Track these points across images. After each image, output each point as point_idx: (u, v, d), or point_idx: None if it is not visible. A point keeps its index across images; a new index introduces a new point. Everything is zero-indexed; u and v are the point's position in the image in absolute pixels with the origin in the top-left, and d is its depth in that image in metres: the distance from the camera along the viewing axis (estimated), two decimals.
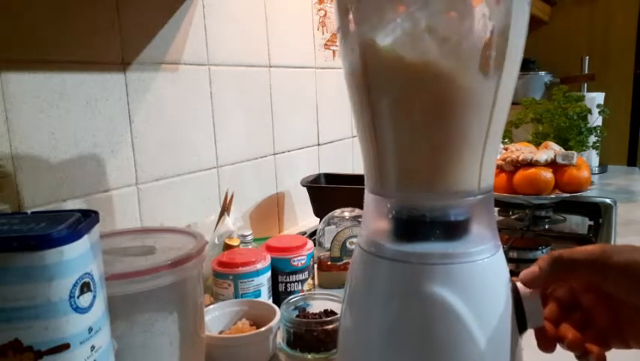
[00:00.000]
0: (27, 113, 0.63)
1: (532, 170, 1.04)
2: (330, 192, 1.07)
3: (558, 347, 0.40)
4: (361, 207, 0.43)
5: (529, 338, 0.40)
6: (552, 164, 1.06)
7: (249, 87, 1.01)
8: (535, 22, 2.36)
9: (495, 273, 0.39)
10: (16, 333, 0.30)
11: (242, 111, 1.00)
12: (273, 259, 0.71)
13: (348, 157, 1.41)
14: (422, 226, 0.39)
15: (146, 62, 0.78)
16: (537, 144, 1.21)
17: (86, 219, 0.34)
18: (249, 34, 1.00)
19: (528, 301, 0.39)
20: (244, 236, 0.79)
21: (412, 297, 0.37)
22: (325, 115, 1.27)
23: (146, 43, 0.78)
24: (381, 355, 0.38)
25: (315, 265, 0.80)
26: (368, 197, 0.42)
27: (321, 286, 0.80)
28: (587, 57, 1.93)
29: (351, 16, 0.37)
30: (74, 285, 0.31)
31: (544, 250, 0.88)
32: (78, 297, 0.32)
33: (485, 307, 0.37)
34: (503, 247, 0.41)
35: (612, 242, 0.96)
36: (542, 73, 2.14)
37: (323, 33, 1.25)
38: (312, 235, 0.96)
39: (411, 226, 0.40)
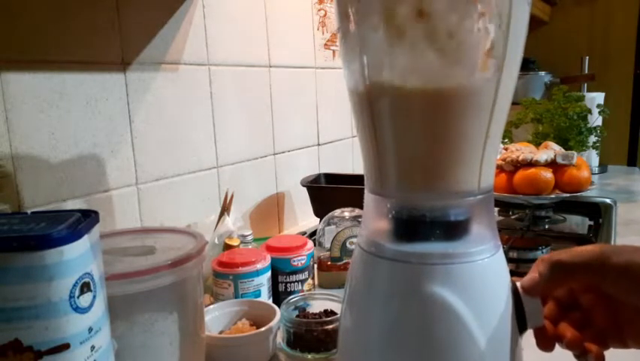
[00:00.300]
0: (27, 113, 0.63)
1: (532, 170, 1.04)
2: (330, 192, 1.07)
3: (557, 346, 0.40)
4: (361, 207, 0.43)
5: (529, 338, 0.40)
6: (552, 164, 1.06)
7: (248, 87, 1.01)
8: (535, 22, 2.36)
9: (495, 273, 0.39)
10: (16, 333, 0.30)
11: (242, 111, 1.00)
12: (273, 259, 0.71)
13: (348, 157, 1.41)
14: (422, 225, 0.39)
15: (146, 62, 0.78)
16: (537, 144, 1.21)
17: (86, 219, 0.34)
18: (249, 34, 1.00)
19: (528, 301, 0.39)
20: (244, 236, 0.79)
21: (412, 297, 0.37)
22: (325, 115, 1.27)
23: (146, 43, 0.78)
24: (381, 355, 0.38)
25: (315, 265, 0.80)
26: (368, 197, 0.42)
27: (321, 286, 0.80)
28: (587, 57, 1.93)
29: (351, 16, 0.37)
30: (74, 285, 0.31)
31: (544, 250, 0.88)
32: (78, 297, 0.32)
33: (485, 307, 0.37)
34: (503, 247, 0.41)
35: (612, 242, 0.96)
36: (542, 73, 2.14)
37: (323, 33, 1.25)
38: (312, 235, 0.96)
39: (411, 226, 0.40)
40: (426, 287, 0.37)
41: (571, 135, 1.41)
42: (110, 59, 0.73)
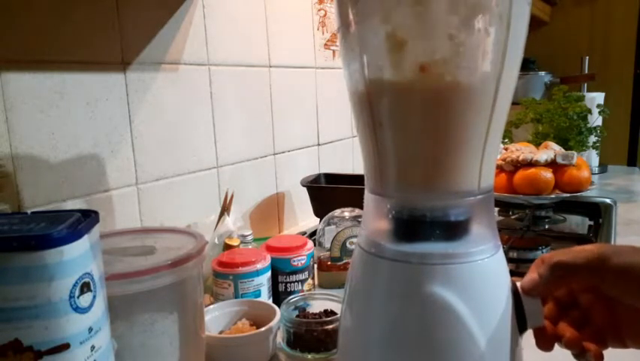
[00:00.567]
0: (27, 113, 0.63)
1: (532, 170, 1.04)
2: (330, 192, 1.07)
3: (557, 347, 0.40)
4: (361, 207, 0.43)
5: (529, 338, 0.40)
6: (552, 164, 1.06)
7: (248, 87, 1.01)
8: (535, 22, 2.36)
9: (495, 273, 0.39)
10: (16, 333, 0.30)
11: (242, 111, 1.00)
12: (273, 259, 0.71)
13: (348, 157, 1.41)
14: (422, 226, 0.39)
15: (146, 62, 0.78)
16: (537, 144, 1.21)
17: (86, 219, 0.34)
18: (249, 34, 1.00)
19: (528, 301, 0.39)
20: (244, 236, 0.79)
21: (412, 297, 0.37)
22: (325, 115, 1.27)
23: (146, 43, 0.78)
24: (381, 355, 0.38)
25: (315, 265, 0.80)
26: (368, 197, 0.42)
27: (321, 286, 0.80)
28: (587, 57, 1.93)
29: (351, 17, 0.37)
30: (74, 285, 0.31)
31: (544, 250, 0.88)
32: (78, 297, 0.32)
33: (485, 307, 0.37)
34: (503, 247, 0.41)
35: (612, 242, 0.96)
36: (542, 73, 2.14)
37: (323, 33, 1.25)
38: (312, 235, 0.96)
39: (411, 226, 0.40)
40: (426, 287, 0.37)
41: (571, 135, 1.41)
42: (110, 59, 0.73)
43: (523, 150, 1.09)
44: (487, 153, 0.38)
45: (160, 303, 0.45)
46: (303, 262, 0.73)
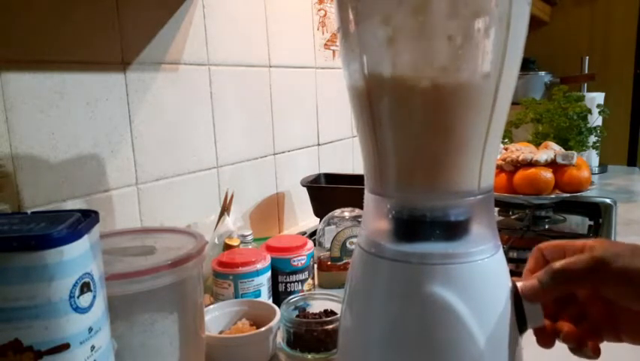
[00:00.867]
0: (27, 113, 0.63)
1: (532, 170, 1.04)
2: (330, 192, 1.07)
3: (556, 347, 0.40)
4: (361, 207, 0.43)
5: (529, 337, 0.40)
6: (552, 164, 1.06)
7: (248, 87, 1.01)
8: (535, 22, 2.36)
9: (495, 273, 0.39)
10: (16, 333, 0.30)
11: (242, 111, 1.00)
12: (273, 259, 0.71)
13: (348, 157, 1.41)
14: (422, 226, 0.39)
15: (146, 62, 0.78)
16: (537, 144, 1.21)
17: (86, 219, 0.34)
18: (249, 34, 1.00)
19: (528, 301, 0.39)
20: (244, 236, 0.79)
21: (412, 297, 0.37)
22: (325, 115, 1.27)
23: (146, 43, 0.78)
24: (381, 355, 0.38)
25: (315, 265, 0.80)
26: (368, 197, 0.42)
27: (321, 286, 0.80)
28: (587, 57, 1.93)
29: (351, 17, 0.37)
30: (74, 285, 0.31)
31: None
32: (78, 297, 0.32)
33: (485, 307, 0.37)
34: (503, 247, 0.41)
35: None
36: (542, 73, 2.14)
37: (323, 33, 1.25)
38: (312, 235, 0.96)
39: (411, 226, 0.40)
40: (426, 287, 0.37)
41: (571, 135, 1.41)
42: (110, 59, 0.73)
43: (523, 150, 1.09)
44: (487, 153, 0.38)
45: (160, 303, 0.45)
46: (303, 262, 0.73)
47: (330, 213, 0.84)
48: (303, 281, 0.74)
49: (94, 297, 0.33)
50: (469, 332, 0.36)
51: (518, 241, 0.93)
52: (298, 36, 1.16)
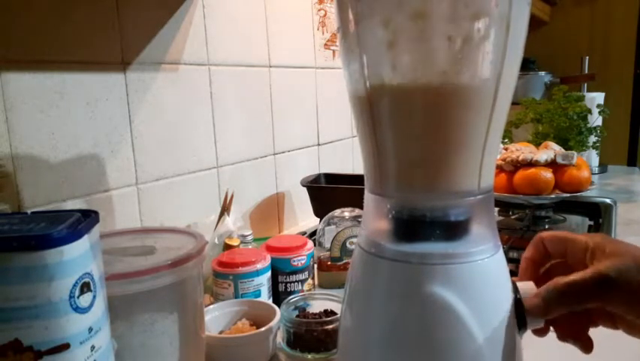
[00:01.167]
0: (27, 113, 0.63)
1: (532, 170, 1.04)
2: (330, 192, 1.07)
3: (557, 348, 0.40)
4: (361, 207, 0.43)
5: (529, 337, 0.40)
6: (552, 164, 1.06)
7: (248, 87, 1.01)
8: (535, 22, 2.36)
9: (495, 273, 0.39)
10: (16, 333, 0.30)
11: (242, 111, 1.00)
12: (273, 259, 0.71)
13: (348, 157, 1.41)
14: (422, 226, 0.39)
15: (146, 62, 0.78)
16: (537, 144, 1.21)
17: (86, 219, 0.34)
18: (249, 34, 1.00)
19: (528, 302, 0.39)
20: (244, 236, 0.79)
21: (412, 297, 0.37)
22: (325, 115, 1.27)
23: (146, 43, 0.78)
24: (381, 355, 0.38)
25: (315, 265, 0.80)
26: (368, 197, 0.42)
27: (321, 286, 0.80)
28: (587, 57, 1.93)
29: (351, 17, 0.37)
30: (74, 285, 0.31)
31: None
32: (78, 297, 0.32)
33: (485, 307, 0.37)
34: (503, 247, 0.41)
35: None
36: (542, 73, 2.14)
37: (323, 33, 1.25)
38: (312, 235, 0.96)
39: (411, 226, 0.40)
40: (426, 287, 0.37)
41: (571, 135, 1.41)
42: (110, 59, 0.73)
43: (523, 150, 1.09)
44: (487, 153, 0.38)
45: (160, 303, 0.45)
46: (303, 262, 0.73)
47: (330, 213, 0.84)
48: (303, 281, 0.74)
49: (94, 297, 0.33)
50: (469, 332, 0.36)
51: (518, 241, 0.93)
52: (298, 36, 1.16)
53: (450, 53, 0.35)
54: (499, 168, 1.09)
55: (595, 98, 1.60)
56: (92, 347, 0.33)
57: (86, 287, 0.32)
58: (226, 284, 0.66)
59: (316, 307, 0.65)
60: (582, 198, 1.18)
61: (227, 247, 0.77)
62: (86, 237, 0.33)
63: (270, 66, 1.06)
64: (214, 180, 0.94)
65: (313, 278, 0.77)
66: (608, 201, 1.22)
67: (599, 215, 1.14)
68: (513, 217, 1.19)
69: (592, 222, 1.13)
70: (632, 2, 2.32)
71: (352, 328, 0.41)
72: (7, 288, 0.30)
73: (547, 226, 1.12)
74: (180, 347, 0.47)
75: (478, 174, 0.38)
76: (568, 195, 1.04)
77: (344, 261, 0.80)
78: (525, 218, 1.13)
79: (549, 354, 0.41)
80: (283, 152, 1.13)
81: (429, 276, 0.37)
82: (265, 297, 0.68)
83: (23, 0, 0.62)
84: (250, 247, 0.79)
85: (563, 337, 0.40)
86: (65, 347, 0.31)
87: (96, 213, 0.36)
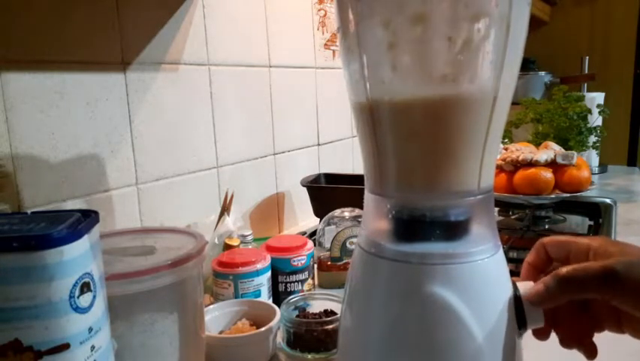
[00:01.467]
0: (27, 113, 0.63)
1: (532, 170, 1.04)
2: (330, 192, 1.07)
3: (557, 347, 0.40)
4: (361, 207, 0.43)
5: (529, 337, 0.40)
6: (552, 164, 1.06)
7: (248, 87, 1.01)
8: (535, 22, 2.36)
9: (495, 273, 0.39)
10: (16, 333, 0.30)
11: (242, 111, 1.00)
12: (273, 259, 0.71)
13: (348, 157, 1.41)
14: (422, 226, 0.39)
15: (146, 62, 0.78)
16: (537, 144, 1.21)
17: (86, 219, 0.34)
18: (249, 34, 1.00)
19: (528, 302, 0.39)
20: (244, 236, 0.79)
21: (412, 297, 0.37)
22: (325, 115, 1.27)
23: (146, 43, 0.78)
24: (381, 355, 0.38)
25: (315, 265, 0.80)
26: (368, 197, 0.42)
27: (321, 286, 0.80)
28: (587, 57, 1.93)
29: (351, 17, 0.37)
30: (74, 285, 0.31)
31: None
32: (78, 297, 0.32)
33: (485, 307, 0.37)
34: (503, 247, 0.41)
35: None
36: (542, 73, 2.14)
37: (323, 33, 1.25)
38: (312, 235, 0.96)
39: (411, 226, 0.40)
40: (426, 287, 0.37)
41: (571, 135, 1.41)
42: (110, 59, 0.73)
43: (523, 150, 1.09)
44: (487, 154, 0.38)
45: (160, 303, 0.45)
46: (303, 262, 0.73)
47: (330, 213, 0.84)
48: (303, 281, 0.74)
49: (94, 297, 0.33)
50: (469, 332, 0.36)
51: (518, 241, 0.93)
52: (298, 36, 1.16)
53: (450, 54, 0.35)
54: (499, 168, 1.09)
55: (595, 98, 1.60)
56: (92, 347, 0.33)
57: (86, 287, 0.32)
58: (226, 284, 0.66)
59: (316, 307, 0.65)
60: (582, 198, 1.18)
61: (227, 247, 0.77)
62: (86, 237, 0.33)
63: (270, 66, 1.06)
64: (214, 180, 0.94)
65: (313, 278, 0.77)
66: (608, 201, 1.22)
67: (599, 215, 1.14)
68: (513, 217, 1.19)
69: (592, 222, 1.13)
70: (632, 2, 2.32)
71: (352, 328, 0.41)
72: (7, 288, 0.30)
73: (547, 226, 1.12)
74: (180, 347, 0.47)
75: (478, 174, 0.38)
76: (568, 195, 1.04)
77: (344, 261, 0.80)
78: (525, 218, 1.13)
79: (549, 354, 0.41)
80: (283, 152, 1.13)
81: (429, 276, 0.37)
82: (265, 297, 0.68)
83: (23, 0, 0.62)
84: (250, 247, 0.79)
85: (565, 341, 0.40)
86: (65, 347, 0.31)
87: (96, 213, 0.36)
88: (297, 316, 0.62)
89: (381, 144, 0.39)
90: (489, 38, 0.35)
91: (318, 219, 0.90)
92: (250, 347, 0.58)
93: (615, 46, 2.38)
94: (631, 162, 2.29)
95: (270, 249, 0.73)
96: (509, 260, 0.42)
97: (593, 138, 1.44)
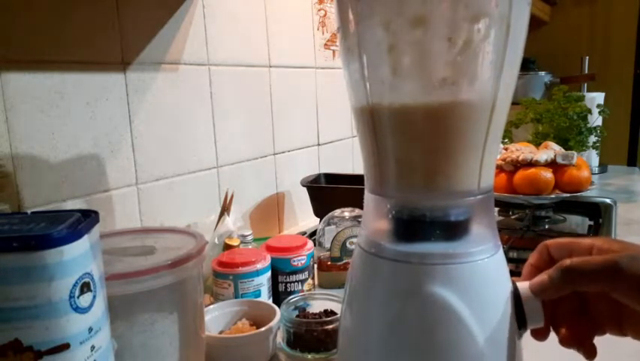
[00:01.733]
0: (27, 113, 0.63)
1: (532, 170, 1.04)
2: (330, 192, 1.07)
3: (557, 347, 0.40)
4: (361, 207, 0.43)
5: (529, 337, 0.40)
6: (552, 164, 1.06)
7: (248, 87, 1.01)
8: (535, 22, 2.36)
9: (495, 273, 0.39)
10: (16, 333, 0.30)
11: (242, 111, 1.00)
12: (273, 259, 0.71)
13: (348, 157, 1.41)
14: (422, 226, 0.39)
15: (146, 62, 0.78)
16: (537, 144, 1.21)
17: (86, 219, 0.34)
18: (249, 34, 1.00)
19: (528, 301, 0.39)
20: (244, 236, 0.79)
21: (412, 297, 0.37)
22: (325, 115, 1.27)
23: (146, 43, 0.78)
24: (381, 355, 0.38)
25: (315, 265, 0.80)
26: (368, 197, 0.42)
27: (321, 286, 0.80)
28: (587, 57, 1.93)
29: (351, 17, 0.37)
30: (74, 285, 0.31)
31: None
32: (78, 297, 0.32)
33: (485, 307, 0.37)
34: (503, 247, 0.41)
35: None
36: (542, 73, 2.14)
37: (323, 33, 1.25)
38: (312, 235, 0.96)
39: (411, 226, 0.40)
40: (426, 287, 0.37)
41: (571, 135, 1.41)
42: (110, 59, 0.73)
43: (523, 150, 1.09)
44: (487, 154, 0.38)
45: (160, 303, 0.45)
46: (303, 262, 0.73)
47: (330, 213, 0.84)
48: (303, 281, 0.74)
49: (94, 297, 0.33)
50: (469, 332, 0.36)
51: (518, 241, 0.93)
52: (298, 36, 1.16)
53: (450, 55, 0.35)
54: (499, 168, 1.09)
55: (595, 98, 1.60)
56: (92, 347, 0.33)
57: (86, 287, 0.32)
58: (226, 284, 0.66)
59: (316, 307, 0.65)
60: (582, 198, 1.18)
61: (227, 247, 0.77)
62: (86, 237, 0.33)
63: (270, 66, 1.06)
64: (214, 180, 0.94)
65: (313, 278, 0.77)
66: (608, 201, 1.21)
67: (599, 215, 1.14)
68: (513, 217, 1.19)
69: (592, 222, 1.13)
70: (632, 2, 2.32)
71: (352, 328, 0.41)
72: (7, 288, 0.30)
73: (547, 226, 1.12)
74: (180, 347, 0.47)
75: (478, 174, 0.38)
76: (568, 195, 1.04)
77: (344, 261, 0.80)
78: (525, 218, 1.13)
79: (549, 355, 0.41)
80: (283, 152, 1.13)
81: (429, 276, 0.37)
82: (265, 297, 0.68)
83: (23, 0, 0.62)
84: (250, 247, 0.79)
85: (565, 341, 0.40)
86: (65, 347, 0.31)
87: (96, 213, 0.36)
88: (297, 316, 0.62)
89: (381, 144, 0.39)
90: (489, 39, 0.35)
91: (318, 219, 0.90)
92: (250, 347, 0.58)
93: (615, 46, 2.38)
94: (631, 162, 2.29)
95: (270, 249, 0.73)
96: (509, 260, 0.42)
97: (593, 138, 1.44)
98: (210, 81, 0.91)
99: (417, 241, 0.39)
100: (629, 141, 2.35)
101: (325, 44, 1.26)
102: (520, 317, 0.39)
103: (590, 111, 1.42)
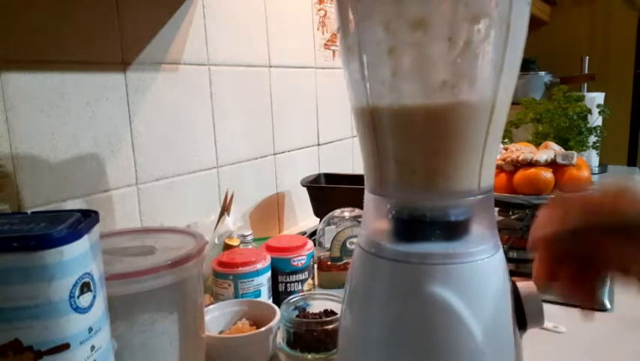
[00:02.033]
0: (27, 113, 0.63)
1: (532, 170, 1.04)
2: (330, 192, 1.07)
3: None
4: (361, 207, 0.43)
5: (529, 338, 0.40)
6: (552, 164, 1.06)
7: (248, 87, 1.01)
8: (535, 22, 2.36)
9: (495, 273, 0.39)
10: (16, 333, 0.30)
11: (242, 111, 1.00)
12: (273, 259, 0.71)
13: (348, 157, 1.41)
14: (422, 226, 0.39)
15: (146, 62, 0.78)
16: (537, 144, 1.21)
17: (86, 219, 0.34)
18: (249, 34, 1.00)
19: (528, 301, 0.39)
20: (244, 236, 0.79)
21: (412, 297, 0.37)
22: (325, 115, 1.27)
23: (146, 43, 0.78)
24: (381, 355, 0.38)
25: (315, 265, 0.80)
26: (368, 197, 0.42)
27: (321, 286, 0.80)
28: (587, 57, 1.93)
29: (351, 17, 0.37)
30: (74, 285, 0.31)
31: None
32: (78, 297, 0.32)
33: (485, 307, 0.37)
34: (503, 247, 0.41)
35: None
36: (542, 73, 2.14)
37: (323, 33, 1.25)
38: (312, 235, 0.95)
39: (411, 226, 0.40)
40: (426, 287, 0.37)
41: (571, 135, 1.41)
42: (110, 59, 0.73)
43: (523, 150, 1.09)
44: (487, 154, 0.38)
45: (160, 303, 0.45)
46: (303, 262, 0.73)
47: (330, 213, 0.84)
48: (303, 281, 0.74)
49: (94, 297, 0.33)
50: (469, 332, 0.36)
51: (518, 241, 0.93)
52: (298, 36, 1.16)
53: (450, 55, 0.35)
54: (499, 168, 1.09)
55: (595, 98, 1.59)
56: (92, 347, 0.33)
57: (86, 287, 0.32)
58: (226, 284, 0.66)
59: (316, 307, 0.65)
60: None
61: (227, 247, 0.77)
62: (86, 237, 0.33)
63: (270, 66, 1.06)
64: (214, 180, 0.94)
65: (313, 278, 0.77)
66: None
67: None
68: (513, 217, 1.19)
69: None
70: None
71: (352, 328, 0.41)
72: (7, 288, 0.30)
73: None
74: (180, 347, 0.47)
75: (478, 174, 0.38)
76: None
77: (344, 261, 0.80)
78: (525, 218, 1.13)
79: (549, 355, 0.41)
80: (283, 152, 1.13)
81: (429, 276, 0.37)
82: (265, 297, 0.68)
83: (23, 0, 0.62)
84: (250, 247, 0.79)
85: (566, 292, 0.39)
86: (65, 347, 0.31)
87: (96, 213, 0.36)
88: (297, 316, 0.62)
89: (381, 144, 0.39)
90: (489, 39, 0.35)
91: (318, 219, 0.90)
92: (250, 347, 0.57)
93: (615, 46, 2.38)
94: (631, 162, 2.29)
95: (270, 249, 0.73)
96: (509, 260, 0.42)
97: (593, 138, 1.44)
98: (210, 81, 0.91)
99: (417, 241, 0.39)
100: (629, 141, 2.35)
101: (325, 44, 1.26)
102: (520, 317, 0.39)
103: (590, 111, 1.42)
